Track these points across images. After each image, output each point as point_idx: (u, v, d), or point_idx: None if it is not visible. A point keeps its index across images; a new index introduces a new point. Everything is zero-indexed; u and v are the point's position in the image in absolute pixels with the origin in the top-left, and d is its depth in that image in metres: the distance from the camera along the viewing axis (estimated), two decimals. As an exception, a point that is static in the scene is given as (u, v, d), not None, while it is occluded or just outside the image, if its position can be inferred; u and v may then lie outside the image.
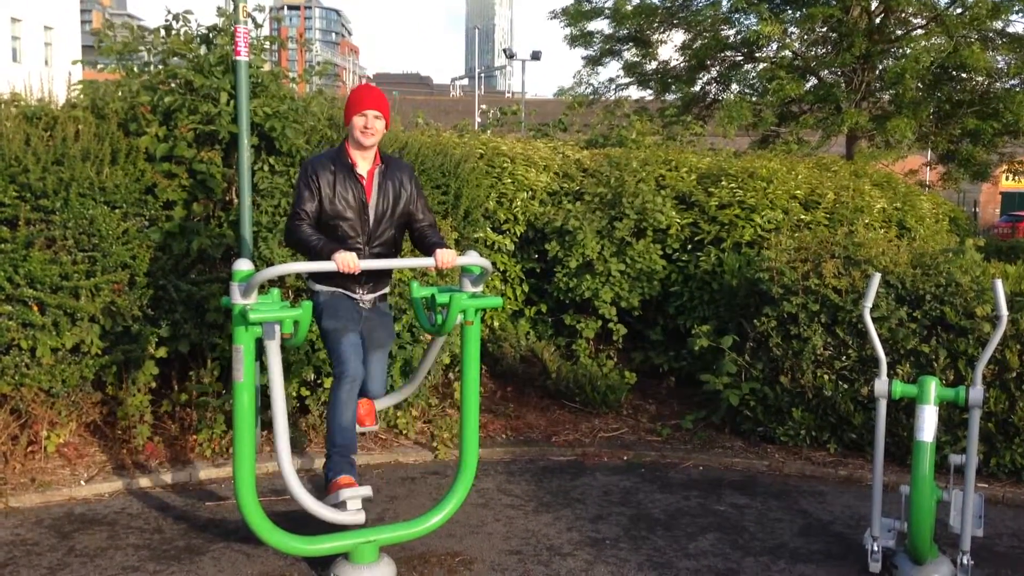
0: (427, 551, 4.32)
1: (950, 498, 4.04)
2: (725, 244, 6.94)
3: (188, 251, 5.42)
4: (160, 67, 5.77)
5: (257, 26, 5.78)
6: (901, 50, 13.01)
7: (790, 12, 13.71)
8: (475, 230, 6.82)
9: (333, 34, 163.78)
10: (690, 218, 7.17)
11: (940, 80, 12.98)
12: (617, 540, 4.55)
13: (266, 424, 5.41)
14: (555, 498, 5.12)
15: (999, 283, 4.03)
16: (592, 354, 7.14)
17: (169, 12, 5.84)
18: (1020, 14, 12.72)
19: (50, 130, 5.25)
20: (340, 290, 4.16)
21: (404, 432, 6.01)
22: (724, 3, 13.81)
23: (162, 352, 5.34)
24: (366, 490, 4.03)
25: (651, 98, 16.00)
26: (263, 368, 3.91)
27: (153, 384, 5.39)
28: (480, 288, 4.10)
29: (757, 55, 14.29)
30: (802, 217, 7.11)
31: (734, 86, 14.79)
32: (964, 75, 12.98)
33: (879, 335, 4.99)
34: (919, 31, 13.18)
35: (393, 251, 4.25)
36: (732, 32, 14.50)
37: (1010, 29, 13.31)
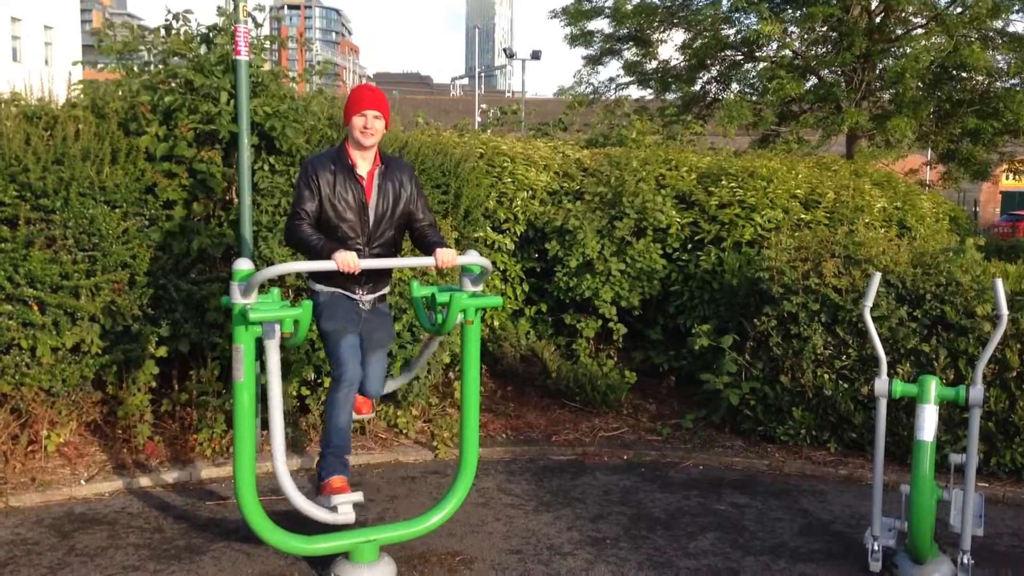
0: (427, 550, 4.32)
1: (950, 497, 4.04)
2: (725, 243, 6.94)
3: (188, 250, 5.42)
4: (160, 67, 5.76)
5: (257, 25, 5.78)
6: (901, 49, 13.01)
7: (790, 11, 13.70)
8: (475, 229, 6.82)
9: (333, 33, 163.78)
10: (690, 217, 7.17)
11: (940, 79, 12.98)
12: (617, 539, 4.55)
13: (266, 423, 5.37)
14: (555, 497, 5.12)
15: (999, 282, 4.03)
16: (592, 353, 7.14)
17: (169, 12, 5.85)
18: (1020, 13, 12.71)
19: (50, 129, 5.25)
20: (340, 290, 4.16)
21: (404, 431, 6.01)
22: (724, 2, 13.81)
23: (162, 351, 5.34)
24: (357, 496, 4.04)
25: (651, 97, 15.99)
26: (263, 367, 3.92)
27: (153, 383, 5.40)
28: (480, 287, 4.10)
29: (757, 54, 14.28)
30: (802, 216, 7.11)
31: (734, 85, 14.78)
32: (964, 74, 12.98)
33: (879, 334, 4.98)
34: (919, 30, 13.18)
35: (393, 251, 4.25)
36: (732, 31, 14.50)
37: (1010, 28, 13.31)
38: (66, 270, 5.03)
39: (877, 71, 13.36)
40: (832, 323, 5.79)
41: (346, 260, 3.75)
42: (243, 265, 3.76)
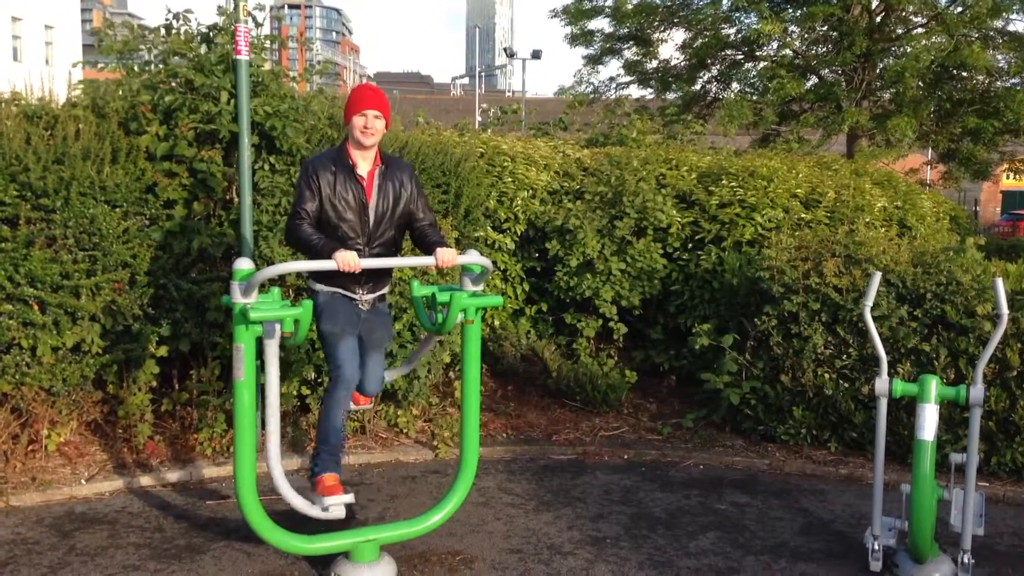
0: (428, 550, 4.32)
1: (951, 497, 4.04)
2: (726, 243, 6.94)
3: (189, 250, 5.42)
4: (161, 66, 5.76)
5: (258, 25, 5.78)
6: (901, 49, 13.00)
7: (790, 11, 13.70)
8: (476, 229, 6.81)
9: (333, 33, 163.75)
10: (691, 217, 7.17)
11: (940, 79, 12.98)
12: (618, 539, 4.55)
13: (262, 424, 5.41)
14: (556, 497, 5.12)
15: (1000, 282, 4.03)
16: (593, 353, 7.14)
17: (169, 11, 5.85)
18: (1020, 13, 12.70)
19: (51, 129, 5.25)
20: (339, 290, 4.16)
21: (405, 431, 6.01)
22: (724, 2, 13.81)
23: (163, 351, 5.34)
24: (348, 497, 4.06)
25: (651, 97, 16.00)
26: (264, 367, 3.94)
27: (154, 383, 5.40)
28: (481, 287, 4.10)
29: (758, 54, 14.28)
30: (803, 216, 7.11)
31: (735, 85, 14.78)
32: (964, 74, 12.97)
33: (880, 334, 4.98)
34: (919, 30, 13.17)
35: (393, 251, 4.25)
36: (733, 31, 14.50)
37: (1010, 28, 13.31)
38: (66, 270, 5.03)
39: (877, 70, 13.36)
40: (832, 322, 5.79)
41: (346, 260, 3.74)
42: (243, 265, 3.76)
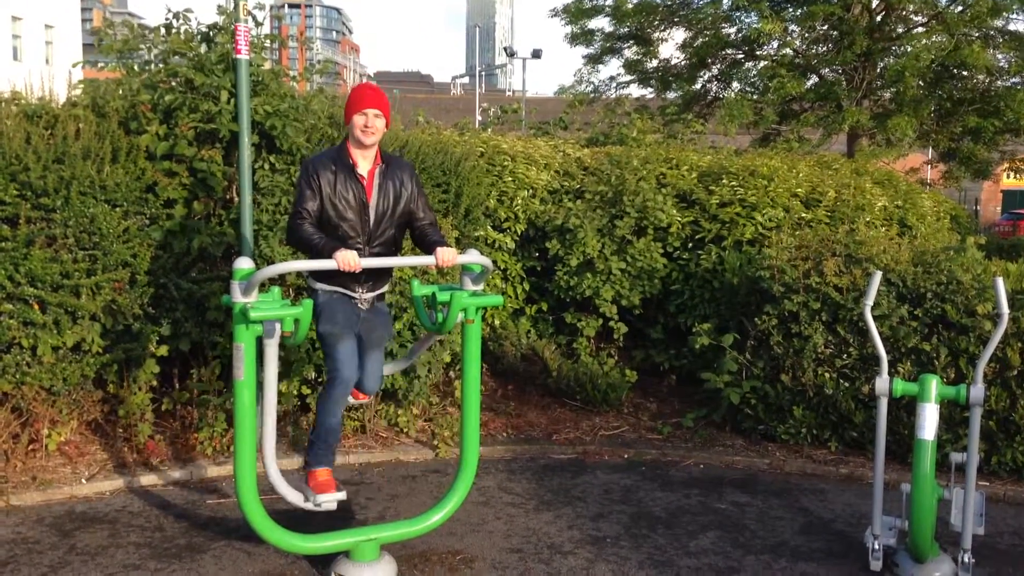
0: (428, 549, 4.32)
1: (951, 496, 4.04)
2: (726, 242, 6.94)
3: (189, 249, 5.42)
4: (161, 65, 5.76)
5: (258, 24, 5.78)
6: (902, 48, 13.00)
7: (791, 10, 13.70)
8: (476, 228, 6.81)
9: (334, 32, 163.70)
10: (691, 216, 7.16)
11: (941, 78, 12.98)
12: (618, 538, 4.55)
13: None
14: (556, 496, 5.12)
15: (1000, 281, 4.03)
16: (593, 352, 7.14)
17: (170, 10, 5.84)
18: (1020, 12, 12.70)
19: (51, 128, 5.25)
20: (339, 289, 4.16)
21: (405, 430, 6.01)
22: (725, 1, 13.81)
23: (163, 350, 5.34)
24: (341, 495, 4.10)
25: (652, 96, 16.00)
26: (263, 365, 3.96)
27: (154, 382, 5.40)
28: (481, 286, 4.10)
29: (758, 53, 14.28)
30: (803, 215, 7.11)
31: (735, 84, 14.78)
32: (965, 73, 12.98)
33: (880, 333, 4.98)
34: (920, 29, 13.17)
35: (393, 250, 4.24)
36: (733, 30, 14.50)
37: (1011, 27, 13.31)
38: (67, 269, 5.03)
39: (878, 70, 13.36)
40: (833, 322, 5.79)
41: (347, 259, 3.74)
42: (244, 264, 3.76)
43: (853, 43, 12.40)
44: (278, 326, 3.76)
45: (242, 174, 5.17)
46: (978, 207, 34.25)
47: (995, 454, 5.40)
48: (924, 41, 12.38)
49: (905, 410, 5.49)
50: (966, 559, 4.03)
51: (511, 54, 53.19)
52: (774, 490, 5.32)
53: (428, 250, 4.10)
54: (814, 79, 13.81)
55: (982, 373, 4.05)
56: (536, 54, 48.51)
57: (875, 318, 5.17)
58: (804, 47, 14.06)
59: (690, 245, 7.12)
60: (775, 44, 13.93)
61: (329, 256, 3.78)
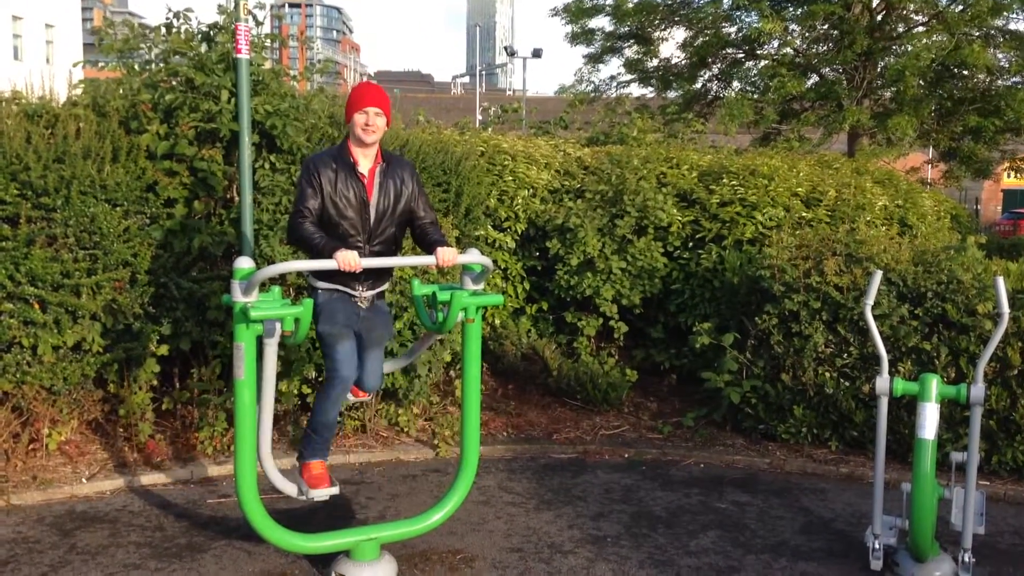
0: (428, 549, 4.32)
1: (951, 496, 4.04)
2: (726, 242, 6.94)
3: (189, 249, 5.42)
4: (161, 65, 5.76)
5: (258, 24, 5.78)
6: (902, 47, 13.00)
7: (791, 9, 13.70)
8: (476, 228, 6.81)
9: (334, 32, 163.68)
10: (691, 216, 7.16)
11: (941, 77, 12.98)
12: (618, 538, 4.55)
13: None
14: (556, 496, 5.12)
15: (1001, 280, 4.03)
16: (593, 352, 7.14)
17: (170, 10, 5.84)
18: (1021, 12, 12.70)
19: (51, 128, 5.25)
20: (340, 287, 4.16)
21: (405, 430, 6.01)
22: (725, 0, 13.80)
23: (163, 350, 5.34)
24: (334, 489, 4.12)
25: (652, 95, 16.00)
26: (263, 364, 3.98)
27: (154, 382, 5.40)
28: (481, 286, 4.10)
29: (758, 52, 14.28)
30: (803, 215, 7.11)
31: (735, 83, 14.78)
32: (965, 72, 12.98)
33: (880, 332, 4.98)
34: (920, 28, 13.17)
35: (393, 249, 4.25)
36: (733, 29, 14.50)
37: (1011, 26, 13.31)
38: (67, 268, 5.04)
39: (878, 69, 13.36)
40: (833, 321, 5.79)
41: (347, 259, 3.75)
42: (244, 263, 3.76)
43: (854, 42, 12.40)
44: (278, 325, 3.76)
45: (242, 173, 5.17)
46: (978, 206, 34.25)
47: (995, 453, 5.40)
48: (924, 40, 12.38)
49: (905, 409, 5.49)
50: (966, 558, 4.03)
51: (511, 53, 53.18)
52: (774, 489, 5.32)
53: (429, 249, 4.10)
54: (814, 78, 13.81)
55: (982, 372, 4.05)
56: (536, 53, 48.51)
57: (875, 317, 5.17)
58: (805, 46, 14.06)
59: (690, 244, 7.12)
60: (775, 43, 13.93)
61: (330, 256, 3.79)
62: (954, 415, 5.41)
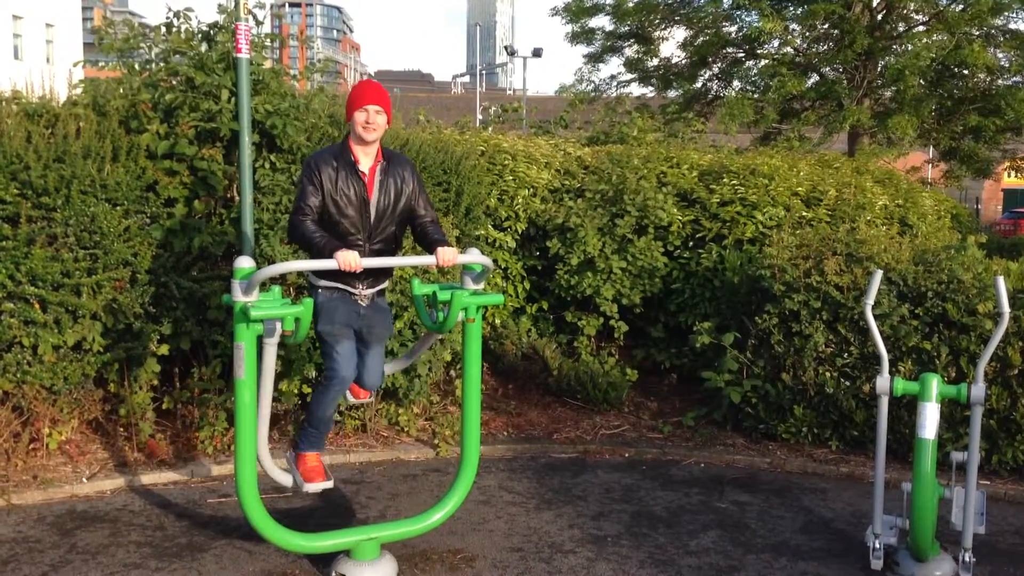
0: (429, 548, 4.32)
1: (952, 495, 4.04)
2: (727, 241, 6.94)
3: (189, 248, 5.42)
4: (161, 64, 5.76)
5: (258, 23, 5.78)
6: (903, 47, 13.01)
7: (791, 9, 13.71)
8: (476, 227, 6.81)
9: (334, 31, 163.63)
10: (692, 215, 7.16)
11: (942, 77, 12.99)
12: (619, 537, 4.55)
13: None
14: (557, 495, 5.12)
15: (1001, 280, 4.03)
16: (593, 351, 7.14)
17: (170, 9, 5.84)
18: (1021, 11, 12.70)
19: (51, 127, 5.25)
20: (340, 284, 4.16)
21: (406, 429, 6.01)
22: (725, 0, 13.81)
23: (164, 349, 5.34)
24: (328, 483, 4.16)
25: (652, 95, 16.01)
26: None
27: (155, 381, 5.40)
28: (481, 285, 4.10)
29: (759, 52, 14.29)
30: (804, 214, 7.11)
31: (736, 83, 14.79)
32: (965, 72, 12.99)
33: (881, 332, 4.98)
34: (921, 28, 13.17)
35: (393, 247, 4.25)
36: (734, 29, 14.52)
37: (1011, 26, 13.32)
38: (67, 268, 5.03)
39: (879, 68, 13.37)
40: (833, 321, 5.79)
41: (347, 260, 3.75)
42: (244, 263, 3.76)
43: (854, 42, 12.41)
44: (278, 325, 3.76)
45: (243, 173, 5.17)
46: (979, 206, 34.26)
47: (996, 453, 5.40)
48: (925, 40, 12.39)
49: (906, 409, 5.49)
50: (967, 558, 4.02)
51: (512, 53, 53.13)
52: (775, 489, 5.32)
53: (429, 249, 4.10)
54: (815, 78, 13.82)
55: (983, 372, 4.05)
56: (537, 53, 48.47)
57: (876, 317, 5.16)
58: (805, 46, 14.07)
59: (691, 244, 7.12)
60: (776, 43, 13.95)
61: (330, 256, 3.79)
62: (955, 415, 5.41)
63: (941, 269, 5.62)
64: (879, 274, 4.26)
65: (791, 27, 13.60)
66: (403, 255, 4.62)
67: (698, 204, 7.23)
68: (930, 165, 17.62)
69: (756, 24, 12.79)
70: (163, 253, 5.39)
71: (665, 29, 15.11)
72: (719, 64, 14.98)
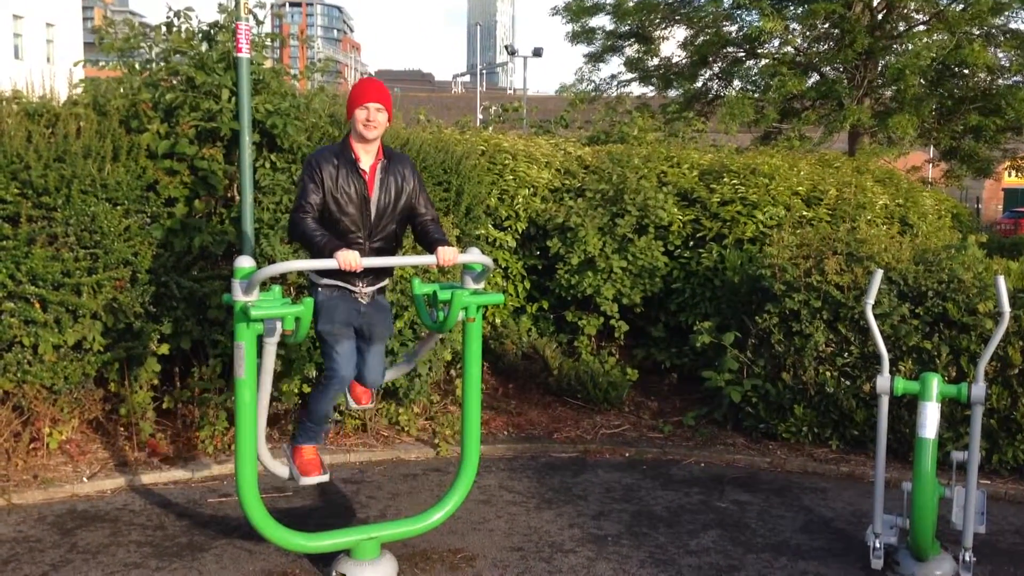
0: (429, 548, 4.32)
1: (952, 495, 4.04)
2: (727, 241, 6.94)
3: (190, 248, 5.42)
4: (162, 64, 5.76)
5: (259, 23, 5.77)
6: (903, 46, 13.01)
7: (792, 8, 13.71)
8: (477, 227, 6.81)
9: (335, 31, 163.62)
10: (692, 215, 7.16)
11: (942, 76, 13.00)
12: (619, 537, 4.55)
13: (268, 420, 5.41)
14: (557, 495, 5.13)
15: (1001, 279, 4.03)
16: (594, 351, 7.14)
17: (171, 9, 5.84)
18: (1022, 11, 12.70)
19: (52, 127, 5.25)
20: (340, 283, 4.17)
21: (406, 429, 6.01)
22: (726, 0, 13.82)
23: (164, 349, 5.34)
24: (324, 477, 4.19)
25: (653, 94, 16.01)
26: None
27: (155, 381, 5.40)
28: (482, 285, 4.10)
29: (759, 51, 14.29)
30: (804, 213, 7.11)
31: (736, 82, 14.80)
32: (966, 71, 12.99)
33: (881, 332, 4.98)
34: (921, 27, 13.17)
35: (394, 245, 4.25)
36: (734, 28, 14.52)
37: (1012, 25, 13.32)
38: (68, 267, 5.04)
39: (879, 68, 13.37)
40: (834, 320, 5.79)
41: (348, 259, 3.75)
42: (245, 263, 3.76)
43: (854, 41, 12.41)
44: (279, 324, 3.77)
45: (243, 172, 5.17)
46: (979, 205, 34.26)
47: (996, 452, 5.40)
48: (925, 39, 12.39)
49: (906, 409, 5.49)
50: (967, 557, 4.02)
51: (512, 52, 53.15)
52: (775, 488, 5.32)
53: (429, 248, 4.11)
54: (815, 77, 13.82)
55: (983, 371, 4.05)
56: (537, 52, 48.48)
57: (876, 316, 5.16)
58: (805, 45, 14.07)
59: (691, 243, 7.12)
60: (776, 42, 13.95)
61: (330, 255, 3.79)
62: (955, 414, 5.41)
63: (941, 268, 5.62)
64: (879, 273, 4.26)
65: (791, 27, 13.60)
66: (403, 254, 4.61)
67: (698, 203, 7.23)
68: (930, 165, 17.63)
69: (756, 24, 12.79)
70: (163, 252, 5.39)
71: (665, 28, 15.12)
72: (719, 64, 14.99)
